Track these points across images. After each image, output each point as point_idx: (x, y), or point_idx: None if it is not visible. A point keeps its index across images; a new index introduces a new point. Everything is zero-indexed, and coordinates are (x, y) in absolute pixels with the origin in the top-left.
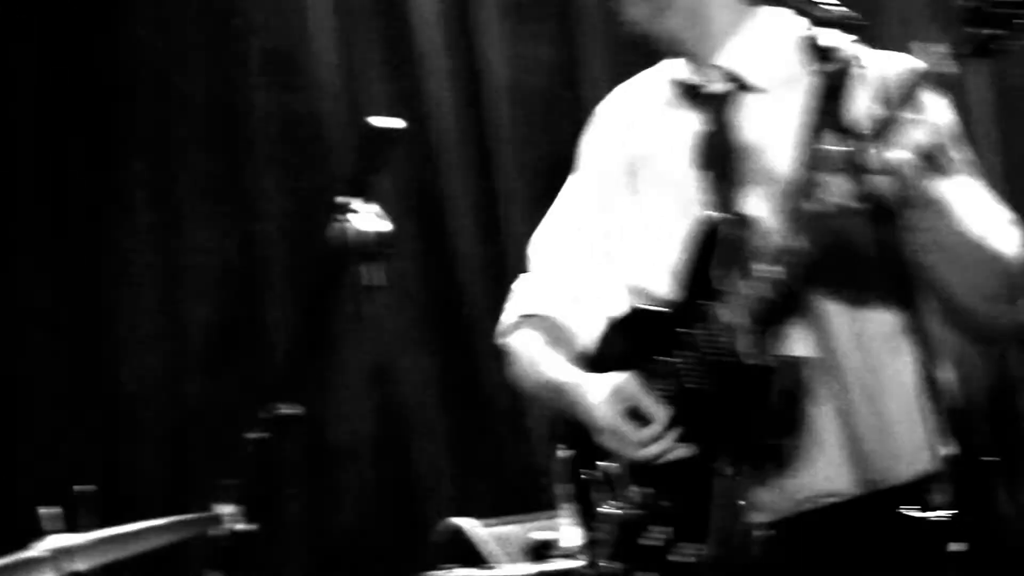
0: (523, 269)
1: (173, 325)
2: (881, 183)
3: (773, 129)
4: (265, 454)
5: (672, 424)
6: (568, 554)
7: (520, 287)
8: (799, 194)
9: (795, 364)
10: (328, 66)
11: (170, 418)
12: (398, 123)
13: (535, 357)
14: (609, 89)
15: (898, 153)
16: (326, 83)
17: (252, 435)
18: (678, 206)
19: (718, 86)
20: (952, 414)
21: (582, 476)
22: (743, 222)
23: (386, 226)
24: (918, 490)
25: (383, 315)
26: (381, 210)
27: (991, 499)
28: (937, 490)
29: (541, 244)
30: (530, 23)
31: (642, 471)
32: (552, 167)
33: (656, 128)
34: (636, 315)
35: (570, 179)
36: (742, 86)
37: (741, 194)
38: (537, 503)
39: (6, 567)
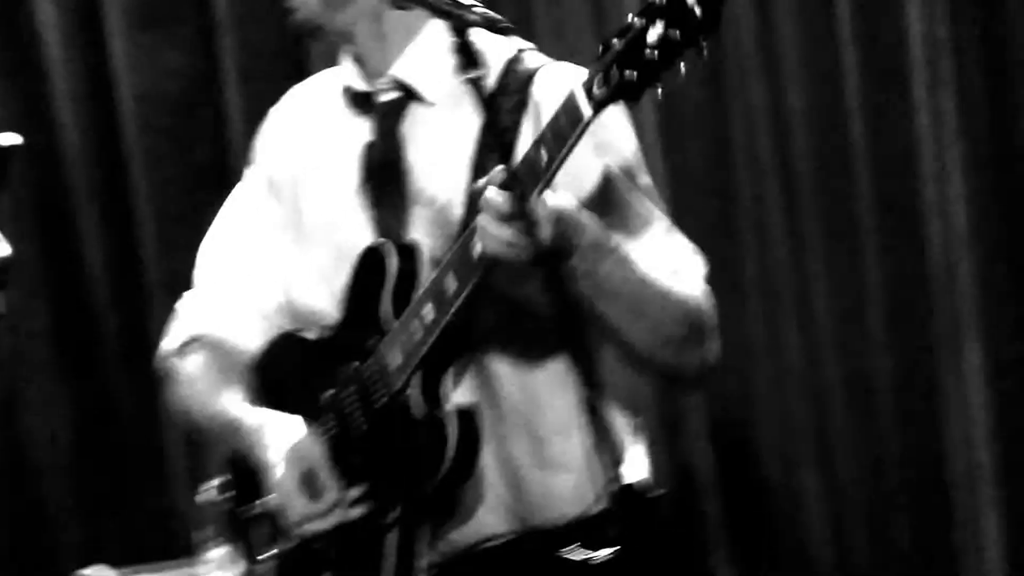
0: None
1: None
2: (544, 229)
3: (440, 148)
4: None
5: (343, 477)
6: None
7: (185, 306)
8: (464, 240)
9: (468, 413)
10: None
11: None
12: (15, 139)
13: (206, 387)
14: (249, 98)
15: (561, 199)
16: None
17: None
18: (344, 222)
19: (388, 96)
20: (616, 454)
21: (243, 514)
22: (408, 250)
23: (4, 250)
24: (582, 530)
25: (4, 344)
26: None
27: (658, 536)
28: (604, 529)
29: (206, 258)
30: (162, 30)
31: None
32: (192, 180)
33: (327, 136)
34: (292, 341)
35: (238, 186)
36: (411, 97)
37: (406, 216)
38: (176, 548)
39: None
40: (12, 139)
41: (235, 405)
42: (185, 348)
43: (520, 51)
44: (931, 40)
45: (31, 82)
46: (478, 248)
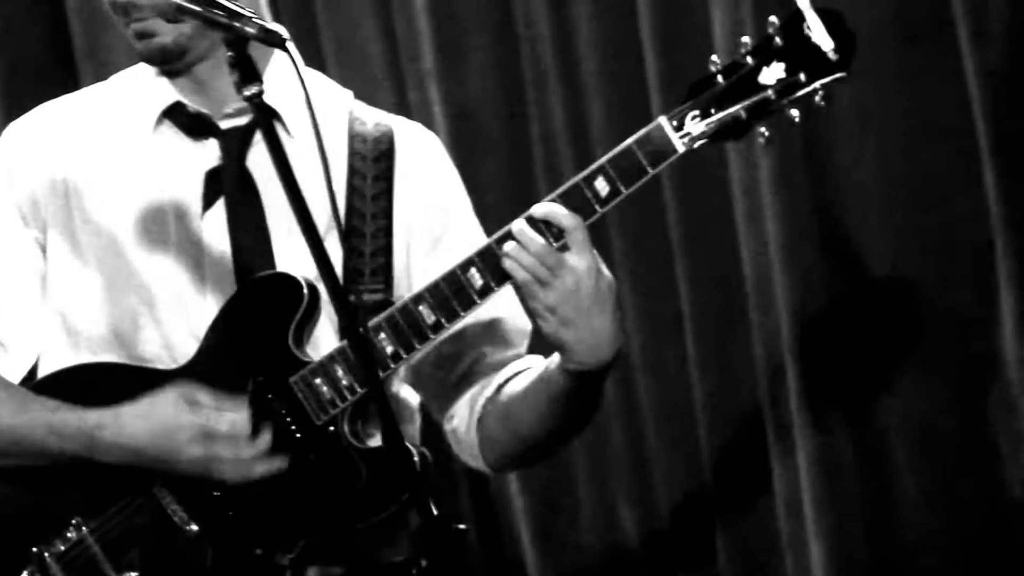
0: None
1: None
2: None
3: (301, 178)
4: None
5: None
6: None
7: None
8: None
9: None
10: None
11: None
12: None
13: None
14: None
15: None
16: None
17: None
18: (184, 247)
19: (239, 120)
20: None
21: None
22: (312, 286)
23: None
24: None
25: None
26: None
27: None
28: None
29: None
30: None
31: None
32: None
33: (131, 156)
34: (121, 370)
35: None
36: (266, 123)
37: (269, 247)
38: None
39: None
40: None
41: (44, 409)
42: None
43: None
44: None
45: None
46: (479, 281)
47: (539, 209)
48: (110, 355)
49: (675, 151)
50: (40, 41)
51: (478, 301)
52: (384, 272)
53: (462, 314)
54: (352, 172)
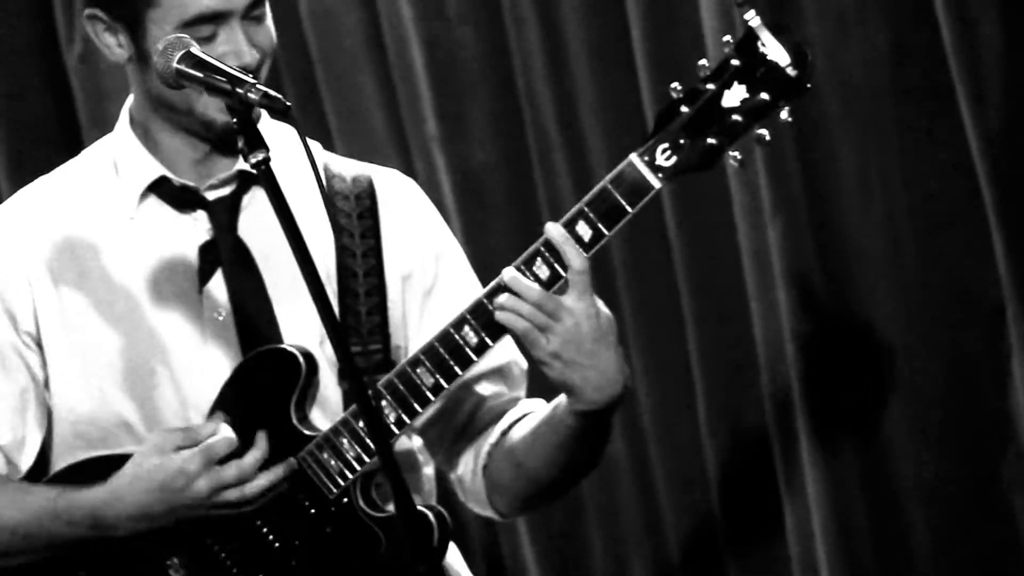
0: None
1: None
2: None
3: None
4: None
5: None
6: None
7: None
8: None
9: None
10: None
11: None
12: None
13: None
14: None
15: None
16: None
17: None
18: (178, 325)
19: (224, 190)
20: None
21: None
22: (310, 357)
23: None
24: None
25: None
26: None
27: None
28: None
29: None
30: None
31: None
32: None
33: (123, 234)
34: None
35: None
36: (274, 188)
37: (275, 319)
38: None
39: None
40: None
41: (42, 494)
42: None
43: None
44: None
45: None
46: (473, 339)
47: (553, 231)
48: (111, 443)
49: (652, 187)
50: (46, 109)
51: (475, 359)
52: (380, 331)
53: (460, 373)
54: (339, 231)
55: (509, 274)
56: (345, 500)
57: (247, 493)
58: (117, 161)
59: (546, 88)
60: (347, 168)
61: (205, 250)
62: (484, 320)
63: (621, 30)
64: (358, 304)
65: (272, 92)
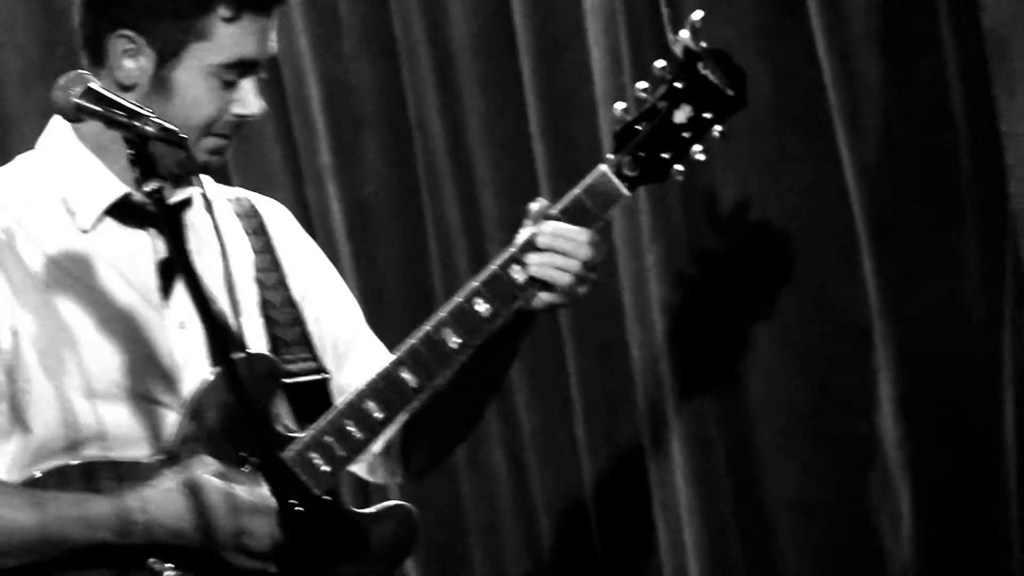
0: None
1: None
2: None
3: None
4: None
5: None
6: None
7: None
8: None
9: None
10: None
11: None
12: None
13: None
14: None
15: None
16: None
17: None
18: (143, 342)
19: (172, 200)
20: None
21: None
22: (267, 361)
23: None
24: None
25: None
26: None
27: None
28: None
29: None
30: None
31: None
32: None
33: (79, 250)
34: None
35: None
36: (169, 218)
37: (239, 329)
38: None
39: None
40: None
41: (64, 504)
42: None
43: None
44: None
45: None
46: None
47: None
48: (76, 452)
49: (621, 194)
50: None
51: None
52: (305, 340)
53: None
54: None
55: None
56: (331, 497)
57: (265, 546)
58: (69, 176)
59: (437, 119)
60: (231, 191)
61: (162, 266)
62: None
63: (511, 63)
64: (279, 315)
65: (167, 125)
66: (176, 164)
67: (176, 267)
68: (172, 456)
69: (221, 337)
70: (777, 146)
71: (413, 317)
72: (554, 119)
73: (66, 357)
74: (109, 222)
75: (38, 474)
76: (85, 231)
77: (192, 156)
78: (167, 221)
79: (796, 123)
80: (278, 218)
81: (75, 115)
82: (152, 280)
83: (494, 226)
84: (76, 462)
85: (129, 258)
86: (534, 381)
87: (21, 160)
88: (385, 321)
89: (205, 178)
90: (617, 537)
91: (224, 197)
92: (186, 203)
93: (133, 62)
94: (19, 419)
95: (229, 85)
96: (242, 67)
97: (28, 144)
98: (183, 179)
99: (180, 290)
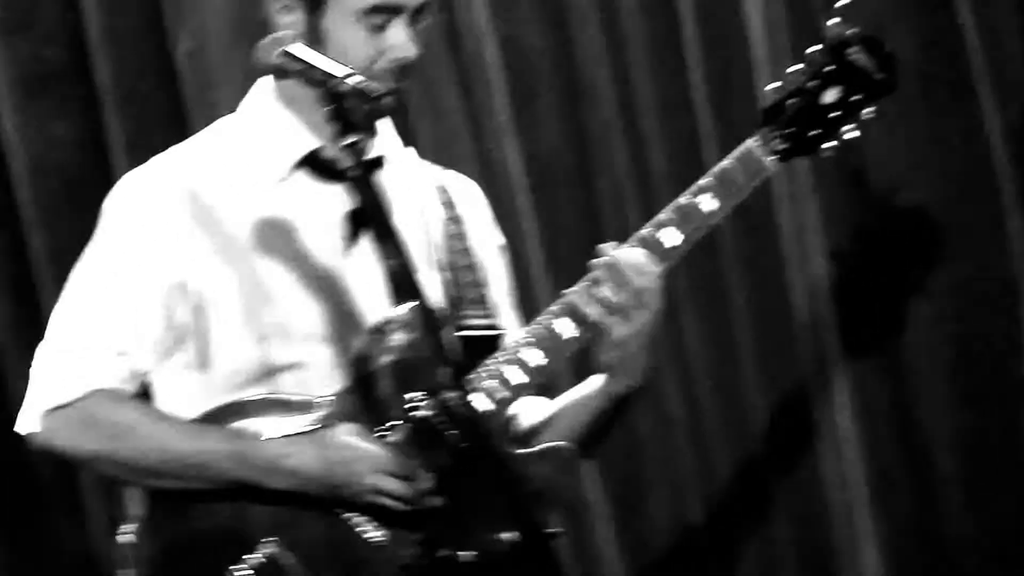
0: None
1: None
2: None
3: (416, 216)
4: None
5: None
6: None
7: (59, 360)
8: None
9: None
10: None
11: None
12: None
13: (154, 424)
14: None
15: None
16: None
17: None
18: (324, 288)
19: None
20: None
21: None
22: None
23: None
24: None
25: None
26: None
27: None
28: None
29: (88, 308)
30: (49, 99)
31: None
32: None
33: (270, 198)
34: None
35: (102, 244)
36: (366, 173)
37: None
38: None
39: None
40: None
41: (216, 435)
42: (88, 400)
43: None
44: None
45: None
46: (592, 312)
47: (623, 254)
48: (252, 389)
49: (768, 166)
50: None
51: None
52: (483, 300)
53: None
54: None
55: (627, 253)
56: (495, 439)
57: (398, 508)
58: (265, 131)
59: (607, 80)
60: (428, 166)
61: (349, 218)
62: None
63: (673, 24)
64: (462, 276)
65: (360, 79)
66: (365, 118)
67: (365, 218)
68: (336, 403)
69: (403, 287)
70: (924, 111)
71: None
72: (716, 81)
73: (253, 300)
74: (301, 175)
75: (210, 407)
76: (279, 181)
77: (381, 111)
78: (362, 173)
79: (942, 89)
80: (469, 194)
81: (276, 74)
82: (339, 230)
83: (662, 180)
84: (248, 398)
85: (318, 208)
86: (705, 322)
87: (221, 122)
88: (562, 267)
89: (409, 150)
90: (784, 471)
91: (420, 168)
92: (378, 162)
93: (288, 17)
94: (203, 358)
95: (378, 29)
96: (386, 11)
97: (229, 105)
98: (374, 135)
99: (365, 242)
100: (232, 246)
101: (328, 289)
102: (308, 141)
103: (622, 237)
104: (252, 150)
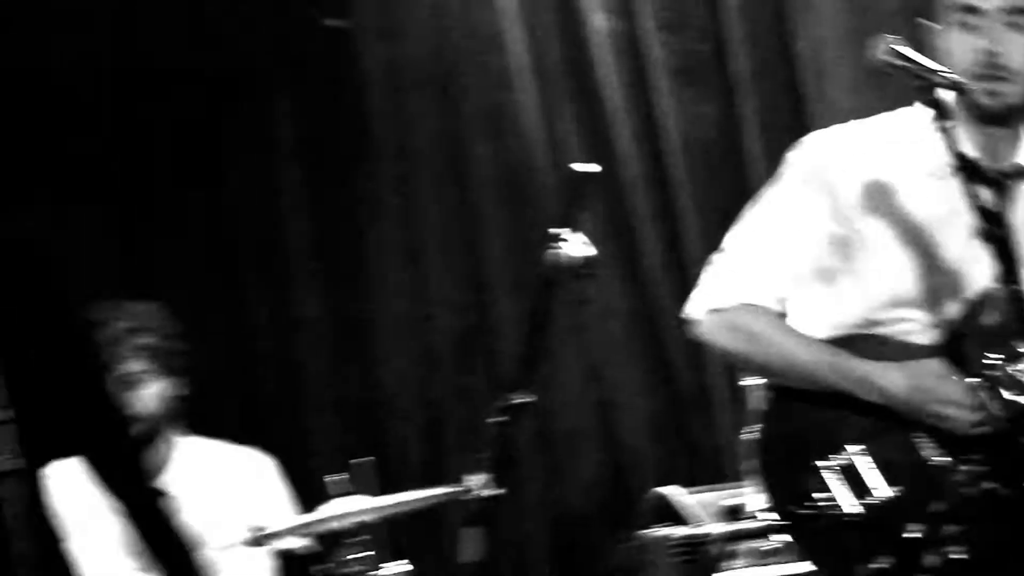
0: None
1: (422, 334)
2: None
3: None
4: (504, 434)
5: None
6: (753, 516)
7: (725, 270)
8: None
9: None
10: (533, 122)
11: (426, 409)
12: (594, 168)
13: (779, 334)
14: (763, 141)
15: None
16: (532, 136)
17: (493, 420)
18: (962, 256)
19: (1010, 180)
20: None
21: (815, 465)
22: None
23: (591, 251)
24: None
25: (591, 323)
26: (586, 238)
27: None
28: None
29: (748, 233)
30: (696, 85)
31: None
32: (723, 206)
33: (924, 188)
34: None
35: (782, 185)
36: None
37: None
38: (725, 475)
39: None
40: (591, 167)
41: (824, 350)
42: (737, 309)
43: None
44: None
45: (599, 126)
46: None
47: None
48: (863, 329)
49: None
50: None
51: None
52: None
53: None
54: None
55: None
56: None
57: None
58: (924, 130)
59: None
60: None
61: (981, 211)
62: None
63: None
64: None
65: (957, 77)
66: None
67: (993, 223)
68: (926, 351)
69: (1008, 278)
70: None
71: None
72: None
73: (915, 244)
74: (944, 172)
75: (836, 334)
76: (938, 176)
77: (972, 102)
78: (1006, 182)
79: None
80: None
81: (883, 69)
82: (966, 219)
83: None
84: (864, 333)
85: (957, 203)
86: None
87: (900, 112)
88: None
89: None
90: None
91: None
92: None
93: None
94: (836, 298)
95: (971, 29)
96: (969, 10)
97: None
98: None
99: (979, 239)
100: (900, 218)
101: (946, 271)
102: (961, 146)
103: None
104: (920, 141)
